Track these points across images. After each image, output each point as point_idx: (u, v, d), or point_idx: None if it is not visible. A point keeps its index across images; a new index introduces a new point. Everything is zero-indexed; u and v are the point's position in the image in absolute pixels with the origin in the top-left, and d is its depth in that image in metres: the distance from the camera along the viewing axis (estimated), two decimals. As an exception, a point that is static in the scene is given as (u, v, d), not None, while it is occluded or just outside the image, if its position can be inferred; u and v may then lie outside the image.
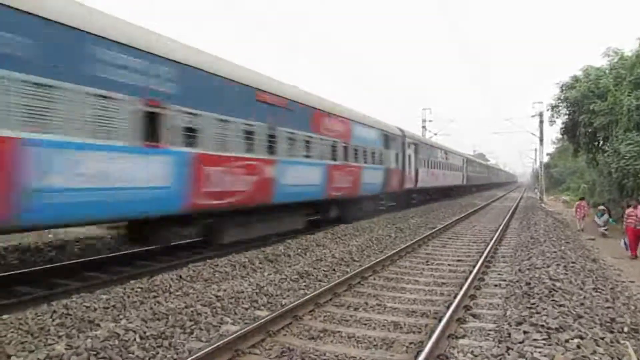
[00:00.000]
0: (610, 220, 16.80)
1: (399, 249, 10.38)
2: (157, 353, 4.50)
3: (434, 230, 14.05)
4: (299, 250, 10.00)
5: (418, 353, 4.40)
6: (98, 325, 5.10)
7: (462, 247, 11.68)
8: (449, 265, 9.36)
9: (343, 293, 6.91)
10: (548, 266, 8.20)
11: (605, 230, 16.54)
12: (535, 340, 4.58)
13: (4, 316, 5.04)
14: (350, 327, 5.49)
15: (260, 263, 8.56)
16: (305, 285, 7.34)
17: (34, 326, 4.87)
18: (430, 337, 4.74)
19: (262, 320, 5.13)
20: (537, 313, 5.41)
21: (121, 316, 5.42)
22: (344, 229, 13.48)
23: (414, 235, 13.17)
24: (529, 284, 6.93)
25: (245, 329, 4.84)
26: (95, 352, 4.31)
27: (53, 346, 4.42)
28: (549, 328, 4.85)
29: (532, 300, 6.00)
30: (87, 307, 5.50)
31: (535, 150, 54.41)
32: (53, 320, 5.08)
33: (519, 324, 5.14)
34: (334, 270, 8.52)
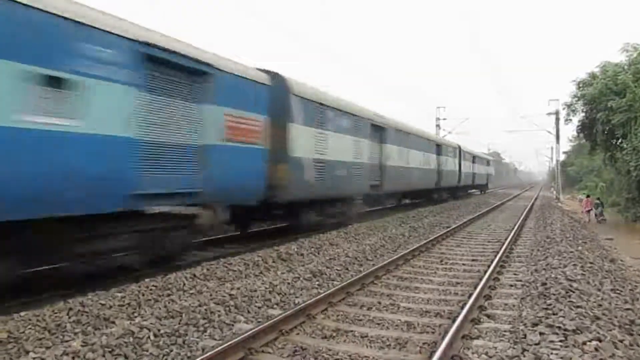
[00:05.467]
0: (603, 210, 21.05)
1: (412, 248, 10.32)
2: (171, 351, 4.54)
3: (448, 230, 13.94)
4: (312, 249, 10.00)
5: (432, 353, 4.36)
6: (113, 322, 5.16)
7: (476, 247, 11.56)
8: (463, 264, 9.27)
9: (356, 292, 6.89)
10: (565, 266, 8.07)
11: (603, 218, 20.41)
12: (551, 342, 4.51)
13: (22, 313, 5.12)
14: (363, 326, 5.47)
15: (273, 262, 8.57)
16: (318, 285, 7.33)
17: (51, 323, 4.94)
18: (444, 337, 4.70)
19: (275, 319, 5.14)
20: (554, 314, 5.33)
21: (136, 314, 5.47)
22: (357, 227, 13.45)
23: (428, 235, 13.08)
24: (545, 284, 6.83)
25: (258, 328, 4.85)
26: (110, 349, 4.36)
27: (69, 343, 4.49)
28: (565, 330, 4.77)
29: (549, 301, 5.90)
30: (102, 304, 5.55)
31: (552, 148, 53.75)
32: (69, 317, 5.14)
33: (535, 325, 5.06)
34: (347, 269, 8.50)
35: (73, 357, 4.19)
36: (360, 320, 5.69)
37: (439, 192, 27.07)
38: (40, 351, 4.30)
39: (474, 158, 37.62)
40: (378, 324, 5.57)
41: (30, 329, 4.76)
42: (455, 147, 31.11)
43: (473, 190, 41.11)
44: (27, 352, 4.28)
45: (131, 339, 4.61)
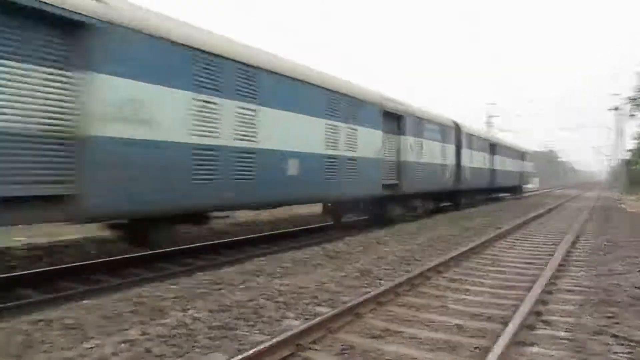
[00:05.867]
0: None
1: (463, 249, 10.04)
2: (223, 344, 4.65)
3: (500, 231, 13.46)
4: (360, 247, 9.95)
5: (484, 359, 4.22)
6: (167, 313, 5.36)
7: (531, 250, 11.08)
8: (516, 267, 8.91)
9: (405, 293, 6.79)
10: (629, 272, 7.59)
11: None
12: (615, 352, 4.25)
13: (85, 301, 5.43)
14: (412, 327, 5.38)
15: (321, 260, 8.61)
16: (366, 284, 7.28)
17: (111, 312, 5.20)
18: (496, 342, 4.53)
19: (324, 317, 5.15)
20: (618, 323, 5.02)
21: (189, 306, 5.65)
22: (404, 227, 13.26)
23: (479, 236, 12.68)
24: (608, 290, 6.45)
25: (307, 325, 4.88)
26: (165, 340, 4.54)
27: (127, 331, 4.71)
28: (631, 340, 4.48)
29: (612, 309, 5.57)
30: (157, 296, 5.79)
31: (613, 146, 50.78)
32: (127, 307, 5.40)
33: (597, 334, 4.79)
34: (395, 269, 8.39)
35: (131, 345, 4.39)
36: (410, 321, 5.60)
37: (401, 201, 15.47)
38: (101, 337, 4.54)
39: (493, 147, 25.22)
40: (427, 325, 5.46)
41: (91, 316, 5.03)
42: (449, 126, 19.04)
43: (503, 195, 30.66)
44: (90, 338, 4.52)
45: (184, 330, 4.78)
